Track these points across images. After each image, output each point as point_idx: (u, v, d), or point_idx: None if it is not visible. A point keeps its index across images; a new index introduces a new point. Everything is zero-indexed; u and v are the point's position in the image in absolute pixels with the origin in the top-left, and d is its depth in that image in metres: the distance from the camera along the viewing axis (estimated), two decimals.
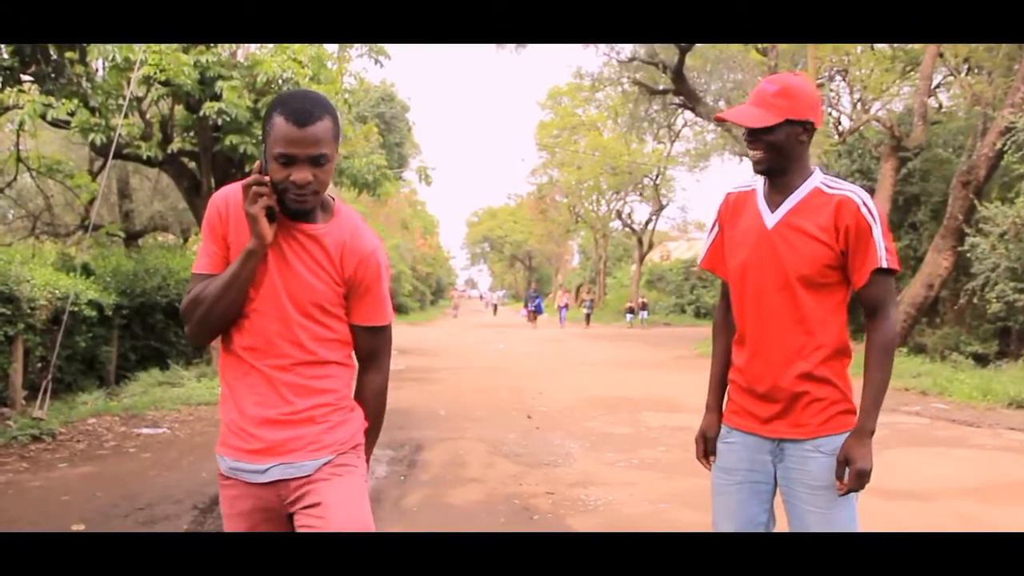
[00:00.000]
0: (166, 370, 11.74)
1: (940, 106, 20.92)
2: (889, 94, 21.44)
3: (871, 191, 17.71)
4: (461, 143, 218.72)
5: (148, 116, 11.90)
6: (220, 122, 10.45)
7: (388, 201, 33.05)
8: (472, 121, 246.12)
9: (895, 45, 18.57)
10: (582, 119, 44.98)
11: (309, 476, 2.11)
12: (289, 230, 2.10)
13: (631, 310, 37.23)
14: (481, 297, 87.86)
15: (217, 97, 10.31)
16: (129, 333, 12.01)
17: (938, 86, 20.50)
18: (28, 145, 11.86)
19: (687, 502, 5.69)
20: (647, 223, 44.90)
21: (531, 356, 19.43)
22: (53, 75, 8.29)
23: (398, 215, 50.89)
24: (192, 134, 12.03)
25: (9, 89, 8.23)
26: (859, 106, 22.44)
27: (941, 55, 17.30)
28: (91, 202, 13.21)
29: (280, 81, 10.53)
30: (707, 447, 2.71)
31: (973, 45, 16.02)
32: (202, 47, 10.37)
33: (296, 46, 10.85)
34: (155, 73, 9.91)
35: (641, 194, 45.76)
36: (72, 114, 8.75)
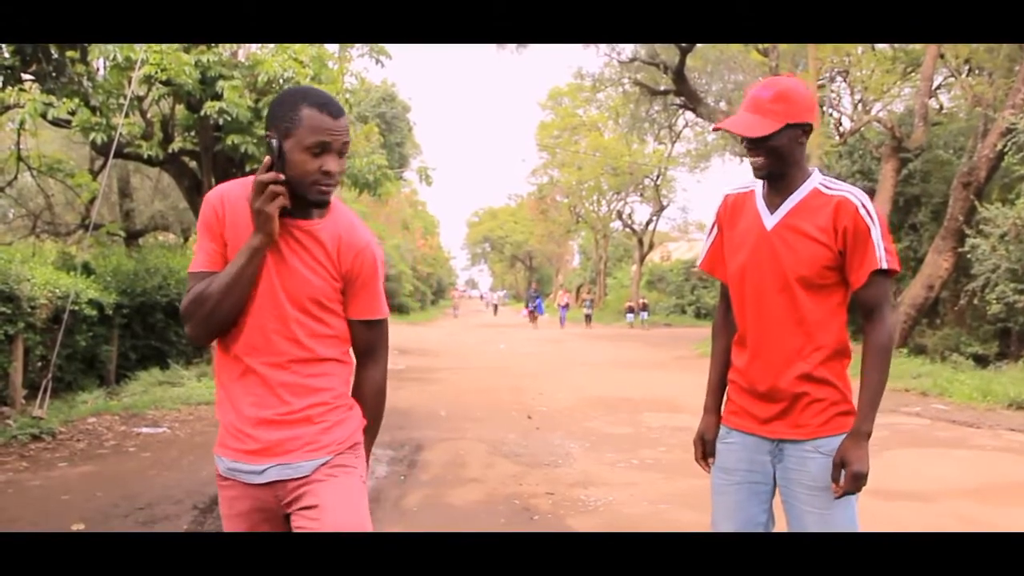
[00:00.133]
0: (166, 369, 11.74)
1: (941, 107, 20.92)
2: (890, 95, 21.45)
3: (872, 192, 17.75)
4: (462, 143, 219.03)
5: (149, 115, 11.90)
6: (221, 122, 10.45)
7: (389, 201, 33.04)
8: (473, 121, 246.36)
9: (896, 46, 18.59)
10: (583, 119, 45.00)
11: (307, 477, 2.11)
12: (285, 226, 2.10)
13: (631, 310, 37.22)
14: (482, 297, 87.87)
15: (218, 97, 10.30)
16: (129, 332, 12.01)
17: (939, 87, 20.50)
18: (29, 144, 11.86)
19: (687, 502, 5.69)
20: (648, 223, 44.90)
21: (531, 356, 19.43)
22: (54, 74, 8.29)
23: (399, 215, 50.92)
24: (193, 134, 12.02)
25: (10, 88, 8.23)
26: (860, 107, 22.45)
27: (942, 56, 17.30)
28: (92, 201, 13.21)
29: (281, 81, 10.52)
30: (705, 449, 2.71)
31: (974, 46, 16.03)
32: (203, 47, 10.36)
33: (297, 46, 10.85)
34: (156, 72, 9.90)
35: (642, 195, 45.77)
36: (73, 113, 8.74)
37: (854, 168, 19.70)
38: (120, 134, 9.48)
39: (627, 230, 48.49)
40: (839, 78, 22.72)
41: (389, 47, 14.62)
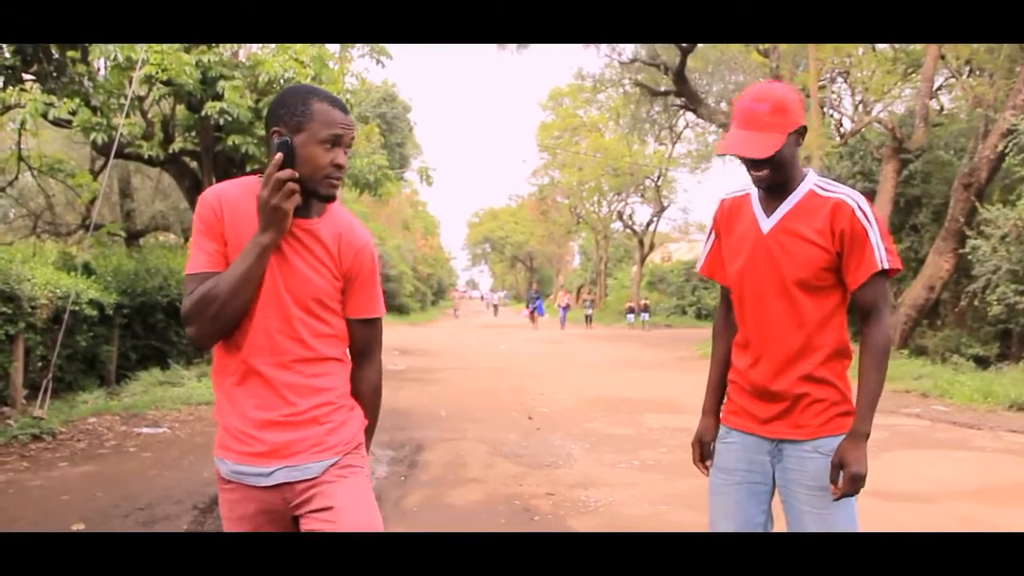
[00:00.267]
0: (167, 370, 11.73)
1: (941, 108, 20.91)
2: (891, 96, 21.44)
3: (873, 193, 17.76)
4: (462, 144, 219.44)
5: (150, 116, 11.92)
6: (222, 122, 10.46)
7: (389, 201, 33.06)
8: (473, 122, 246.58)
9: (896, 46, 18.58)
10: (583, 120, 44.99)
11: (315, 478, 2.10)
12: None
13: (632, 311, 37.21)
14: (482, 298, 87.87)
15: (219, 97, 10.31)
16: (130, 332, 12.01)
17: (940, 88, 20.49)
18: (30, 144, 11.88)
19: (688, 503, 5.69)
20: (648, 224, 44.91)
21: (532, 357, 19.43)
22: (55, 74, 8.30)
23: (399, 215, 50.96)
24: (194, 134, 12.03)
25: (11, 88, 8.23)
26: (860, 108, 22.44)
27: (943, 57, 17.29)
28: (92, 201, 13.21)
29: (282, 81, 10.53)
30: (703, 451, 2.71)
31: (974, 47, 16.02)
32: (204, 47, 10.37)
33: (298, 46, 10.86)
34: (157, 73, 9.91)
35: (642, 195, 45.79)
36: (74, 113, 8.74)
37: (855, 169, 19.70)
38: (121, 134, 9.48)
39: (628, 231, 48.50)
40: (840, 79, 22.72)
41: (390, 47, 14.64)
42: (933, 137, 18.20)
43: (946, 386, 12.13)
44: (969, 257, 14.88)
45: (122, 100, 9.67)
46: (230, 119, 10.30)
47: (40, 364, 9.42)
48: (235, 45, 11.18)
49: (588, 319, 37.87)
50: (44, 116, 8.35)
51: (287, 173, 2.01)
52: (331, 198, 2.13)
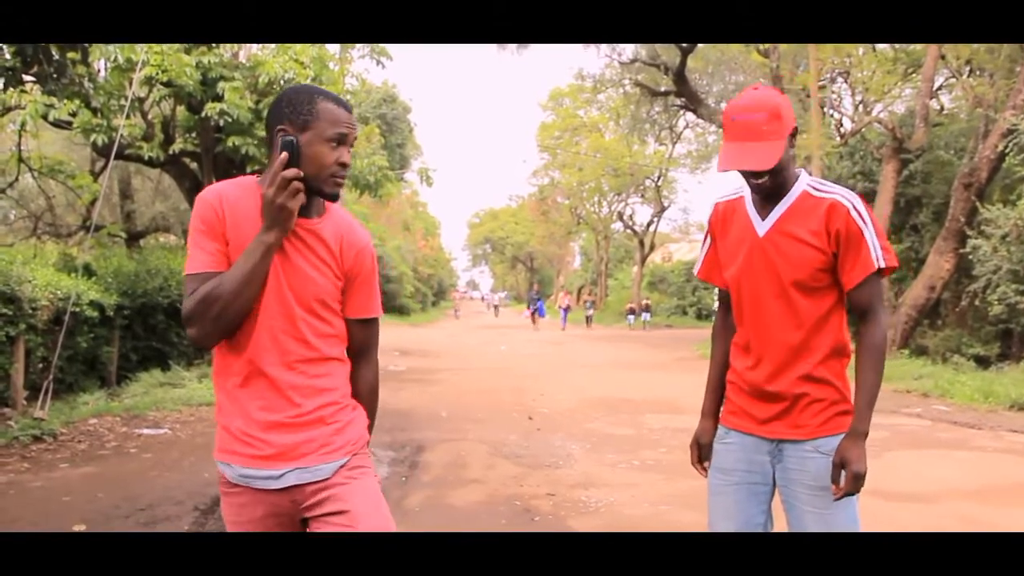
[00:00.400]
0: (167, 371, 11.74)
1: (942, 108, 20.91)
2: (891, 96, 21.43)
3: (873, 193, 17.75)
4: (463, 144, 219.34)
5: (150, 117, 11.92)
6: (222, 123, 10.46)
7: (390, 202, 33.09)
8: (474, 122, 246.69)
9: (897, 46, 18.57)
10: (584, 120, 44.99)
11: (326, 480, 2.10)
12: None
13: (632, 311, 37.22)
14: (483, 299, 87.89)
15: (219, 98, 10.32)
16: (130, 334, 12.01)
17: (940, 88, 20.48)
18: (30, 146, 11.89)
19: (688, 503, 5.69)
20: (649, 225, 44.91)
21: (532, 357, 19.43)
22: (55, 75, 8.30)
23: (400, 216, 50.99)
24: (194, 135, 12.04)
25: (11, 89, 8.23)
26: (861, 108, 22.44)
27: (943, 57, 17.29)
28: (93, 203, 13.21)
29: (282, 82, 10.54)
30: (701, 453, 2.71)
31: (975, 47, 16.02)
32: (204, 48, 10.38)
33: (298, 47, 10.87)
34: (157, 74, 9.92)
35: (643, 196, 45.80)
36: (74, 114, 8.75)
37: (855, 169, 19.70)
38: (121, 135, 9.48)
39: (628, 231, 48.51)
40: (840, 79, 22.72)
41: (390, 48, 14.67)
42: (933, 137, 18.20)
43: (947, 386, 12.13)
44: (970, 257, 14.88)
45: (122, 101, 9.68)
46: (230, 120, 10.30)
47: (41, 365, 9.42)
48: (235, 46, 11.19)
49: (588, 320, 37.88)
50: (44, 117, 8.35)
51: (293, 172, 2.00)
52: (335, 197, 2.13)
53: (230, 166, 11.63)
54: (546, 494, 6.08)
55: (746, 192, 2.53)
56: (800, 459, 2.42)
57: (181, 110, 11.85)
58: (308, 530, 2.13)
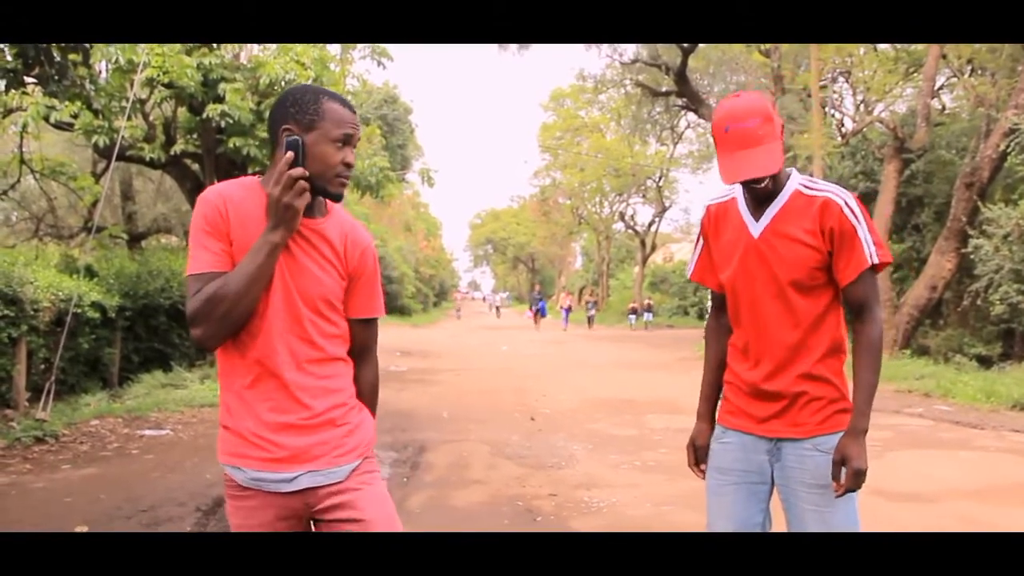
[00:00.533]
0: (169, 372, 11.74)
1: (943, 108, 20.89)
2: (892, 96, 21.41)
3: (874, 193, 17.74)
4: (464, 145, 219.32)
5: (151, 118, 11.93)
6: (223, 124, 10.46)
7: (391, 203, 33.08)
8: (475, 123, 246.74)
9: (898, 46, 18.55)
10: (585, 121, 45.01)
11: (339, 483, 2.10)
12: None
13: (634, 311, 37.23)
14: (484, 299, 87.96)
15: (220, 99, 10.32)
16: (132, 335, 12.01)
17: (941, 88, 20.46)
18: (31, 147, 11.91)
19: (690, 504, 5.68)
20: (650, 225, 44.93)
21: (534, 358, 19.43)
22: (56, 77, 8.32)
23: (401, 217, 51.01)
24: (195, 136, 12.04)
25: (13, 91, 8.24)
26: (862, 108, 22.41)
27: (944, 56, 17.27)
28: (94, 204, 13.23)
29: (283, 83, 10.54)
30: (697, 455, 2.72)
31: (976, 46, 16.00)
32: (205, 49, 10.38)
33: (299, 48, 10.87)
34: (158, 75, 9.92)
35: (644, 196, 45.79)
36: (75, 116, 8.76)
37: (856, 169, 19.68)
38: (122, 137, 9.49)
39: (629, 231, 48.51)
40: (841, 79, 22.70)
41: (391, 49, 14.67)
42: (935, 137, 18.19)
43: (949, 386, 12.12)
44: (971, 257, 14.87)
45: (124, 103, 9.69)
46: (231, 121, 10.30)
47: (43, 367, 9.42)
48: (236, 47, 11.20)
49: (590, 320, 37.88)
50: (46, 119, 8.37)
51: (299, 171, 2.00)
52: (339, 197, 2.13)
53: (231, 167, 11.63)
54: (548, 494, 6.08)
55: (738, 194, 2.53)
56: (799, 457, 2.42)
57: (182, 111, 11.86)
58: (317, 530, 2.13)
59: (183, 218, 19.51)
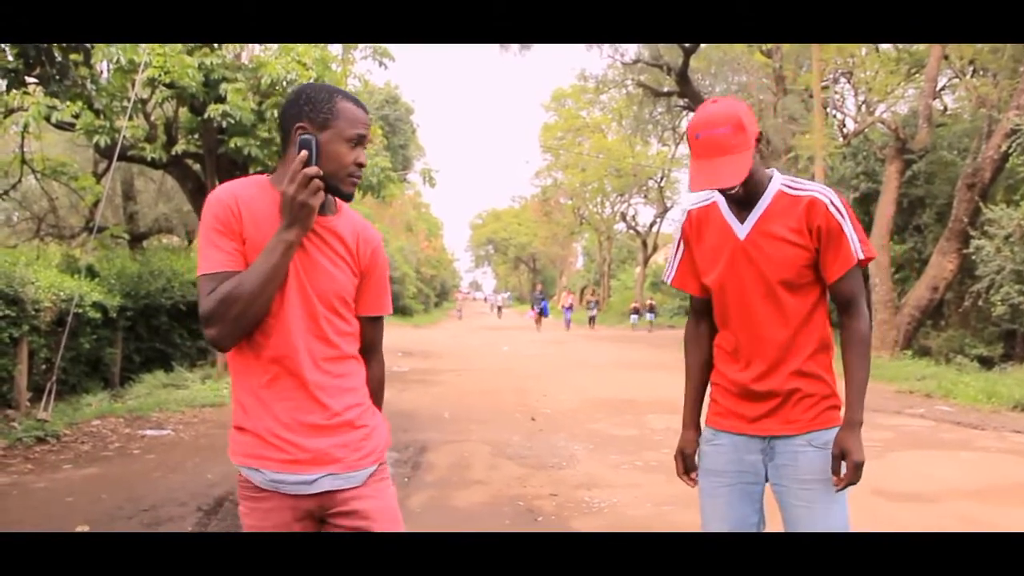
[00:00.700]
0: (170, 372, 11.75)
1: (945, 108, 20.89)
2: (894, 96, 21.43)
3: (876, 193, 17.75)
4: (465, 145, 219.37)
5: (152, 118, 11.94)
6: (224, 124, 10.47)
7: (392, 203, 33.07)
8: (476, 123, 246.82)
9: (900, 47, 18.56)
10: (586, 121, 45.05)
11: (357, 488, 2.10)
12: None
13: (636, 311, 37.22)
14: (485, 299, 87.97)
15: (221, 99, 10.33)
16: (133, 335, 12.02)
17: (943, 88, 20.46)
18: (33, 147, 11.92)
19: (691, 504, 5.64)
20: (651, 225, 44.95)
21: (535, 358, 19.42)
22: (57, 77, 8.31)
23: (402, 217, 50.99)
24: (196, 136, 12.06)
25: (14, 91, 8.25)
26: (864, 108, 22.42)
27: (946, 57, 17.28)
28: (96, 204, 13.26)
29: (284, 83, 10.55)
30: (686, 464, 2.71)
31: (978, 47, 16.01)
32: (206, 49, 10.39)
33: (300, 48, 10.87)
34: (159, 75, 9.93)
35: (645, 196, 45.82)
36: (77, 116, 8.76)
37: (858, 169, 19.69)
38: (124, 137, 9.50)
39: (631, 232, 48.54)
40: (843, 79, 22.70)
41: (392, 49, 14.67)
42: (937, 137, 18.19)
43: (950, 386, 12.12)
44: (973, 257, 14.87)
45: (125, 103, 9.70)
46: (233, 121, 10.31)
47: (44, 367, 9.43)
48: (237, 47, 11.20)
49: (592, 320, 37.88)
50: (47, 119, 8.37)
51: (314, 170, 1.99)
52: (351, 196, 2.13)
53: (233, 167, 11.64)
54: (549, 495, 6.08)
55: (719, 198, 2.53)
56: (792, 453, 2.43)
57: (184, 111, 11.87)
58: (324, 530, 2.13)
59: (184, 218, 19.54)
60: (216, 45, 10.47)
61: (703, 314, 2.66)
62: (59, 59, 8.29)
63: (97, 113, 9.58)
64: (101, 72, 9.98)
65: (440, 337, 29.00)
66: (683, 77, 22.36)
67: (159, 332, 12.48)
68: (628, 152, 39.84)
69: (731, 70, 26.54)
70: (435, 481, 6.52)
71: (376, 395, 2.30)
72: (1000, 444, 8.29)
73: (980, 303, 15.02)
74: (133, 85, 9.71)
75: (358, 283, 2.18)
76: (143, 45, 9.09)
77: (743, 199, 2.42)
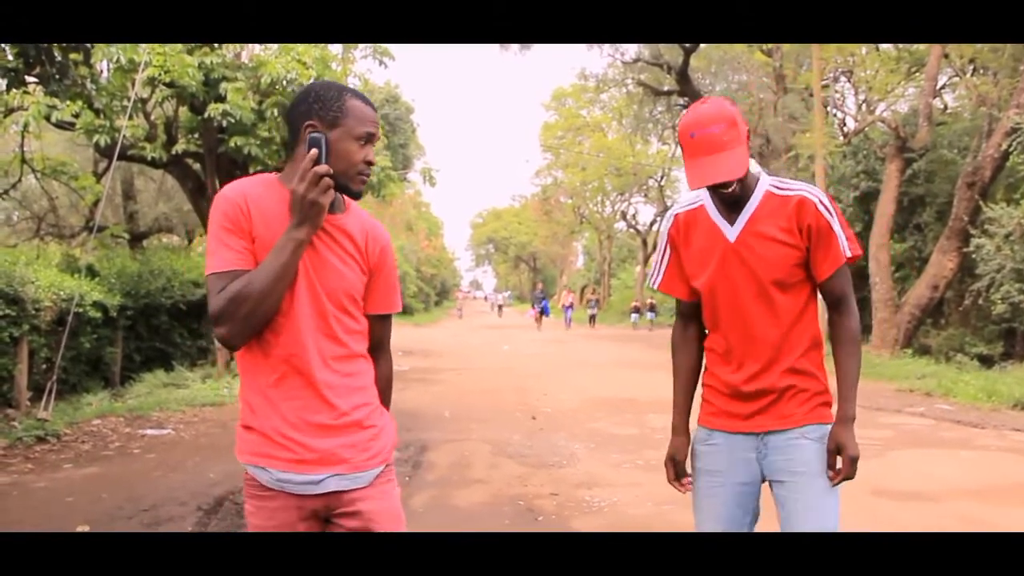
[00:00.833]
0: (170, 371, 11.75)
1: (945, 107, 20.88)
2: (894, 95, 21.41)
3: (876, 192, 17.75)
4: (466, 144, 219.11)
5: (152, 117, 11.94)
6: (224, 123, 10.47)
7: (393, 202, 33.03)
8: (476, 123, 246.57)
9: (900, 46, 18.55)
10: (586, 120, 45.03)
11: (363, 488, 2.10)
12: None
13: (637, 310, 37.22)
14: (486, 298, 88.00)
15: (221, 99, 10.33)
16: (134, 334, 12.02)
17: (943, 87, 20.46)
18: (33, 147, 11.92)
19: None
20: (652, 224, 44.94)
21: (536, 357, 19.42)
22: (57, 76, 8.31)
23: (403, 216, 50.96)
24: (196, 135, 12.06)
25: (14, 91, 8.25)
26: (864, 107, 22.41)
27: (946, 56, 17.28)
28: (96, 203, 13.26)
29: (284, 82, 10.55)
30: (677, 470, 2.71)
31: (978, 46, 16.00)
32: (206, 48, 10.39)
33: (301, 48, 10.87)
34: (159, 75, 9.93)
35: (645, 195, 45.82)
36: (77, 115, 8.76)
37: (858, 168, 19.68)
38: (124, 136, 9.50)
39: (631, 231, 48.54)
40: (843, 78, 22.69)
41: (392, 49, 14.65)
42: (937, 136, 18.19)
43: (950, 385, 12.13)
44: (973, 256, 14.87)
45: (125, 102, 9.70)
46: (233, 121, 10.31)
47: (44, 366, 9.43)
48: (237, 47, 11.20)
49: (592, 319, 37.87)
50: (47, 119, 8.37)
51: (324, 168, 1.99)
52: (360, 195, 2.13)
53: (233, 167, 11.65)
54: (550, 494, 6.08)
55: (705, 200, 2.52)
56: (785, 447, 2.44)
57: (184, 111, 11.87)
58: (328, 530, 2.13)
59: (184, 217, 19.55)
60: (216, 45, 10.47)
61: (691, 317, 2.66)
62: (59, 59, 8.29)
63: (97, 112, 9.58)
64: (101, 71, 9.98)
65: (440, 336, 29.00)
66: (683, 76, 22.36)
67: (159, 331, 12.48)
68: (628, 151, 39.84)
69: (731, 69, 26.55)
70: (436, 480, 6.53)
71: (384, 394, 2.29)
72: (1000, 443, 8.30)
73: (980, 302, 15.03)
74: (133, 84, 9.71)
75: (367, 281, 2.17)
76: (143, 45, 9.09)
77: (736, 198, 2.42)
